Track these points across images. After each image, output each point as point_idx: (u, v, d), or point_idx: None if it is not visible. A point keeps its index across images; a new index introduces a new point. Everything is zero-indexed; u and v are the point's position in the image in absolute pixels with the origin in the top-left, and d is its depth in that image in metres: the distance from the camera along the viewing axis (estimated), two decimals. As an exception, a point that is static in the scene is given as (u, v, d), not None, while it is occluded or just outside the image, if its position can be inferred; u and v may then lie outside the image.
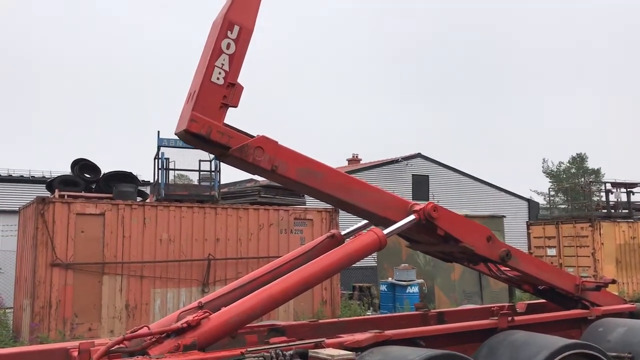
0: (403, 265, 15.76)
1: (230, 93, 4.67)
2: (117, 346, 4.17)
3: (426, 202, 5.54)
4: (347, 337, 4.72)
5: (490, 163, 70.83)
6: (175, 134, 4.76)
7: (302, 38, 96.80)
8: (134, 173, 13.31)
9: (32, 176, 19.94)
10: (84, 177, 12.49)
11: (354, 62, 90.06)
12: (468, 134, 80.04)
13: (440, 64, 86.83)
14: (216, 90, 4.59)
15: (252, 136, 4.82)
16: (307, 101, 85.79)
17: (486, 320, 5.71)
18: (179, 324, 4.35)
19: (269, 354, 4.03)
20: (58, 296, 10.87)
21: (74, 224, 11.16)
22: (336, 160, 43.62)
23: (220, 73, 4.61)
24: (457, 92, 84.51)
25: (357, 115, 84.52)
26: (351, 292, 16.55)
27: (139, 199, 12.53)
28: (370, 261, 19.28)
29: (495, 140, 79.80)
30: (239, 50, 4.67)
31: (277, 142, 4.90)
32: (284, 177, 4.96)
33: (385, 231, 5.18)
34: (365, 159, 31.21)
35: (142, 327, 4.51)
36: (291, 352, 4.15)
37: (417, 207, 5.40)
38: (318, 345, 4.47)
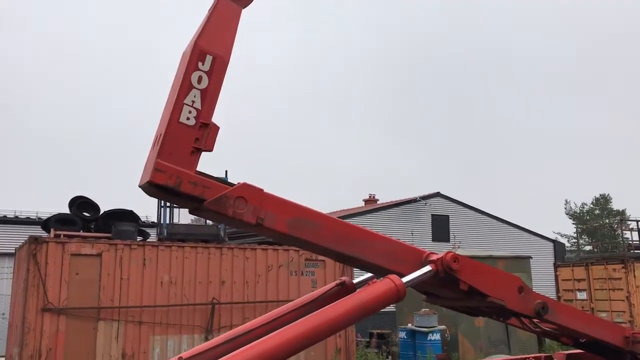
0: (423, 310, 14.71)
1: (204, 135, 3.94)
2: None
3: (445, 252, 4.76)
4: None
5: (511, 204, 69.38)
6: (139, 187, 4.02)
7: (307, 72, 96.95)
8: (138, 213, 12.63)
9: (29, 217, 19.41)
10: (82, 215, 11.83)
11: (364, 97, 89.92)
12: (486, 173, 78.86)
13: (454, 100, 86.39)
14: (186, 132, 3.82)
15: (231, 184, 4.10)
16: (315, 141, 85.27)
17: (522, 377, 4.80)
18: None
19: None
20: (49, 344, 10.05)
21: (68, 266, 10.42)
22: (352, 201, 42.75)
23: (190, 112, 3.88)
24: (475, 129, 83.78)
25: (372, 155, 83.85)
26: (368, 340, 15.46)
27: (139, 238, 11.79)
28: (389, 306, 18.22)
29: (515, 181, 78.54)
30: (212, 84, 3.96)
31: (262, 190, 4.16)
32: (272, 231, 4.21)
33: (405, 279, 4.38)
34: (382, 200, 30.36)
35: None
36: None
37: (433, 257, 4.63)
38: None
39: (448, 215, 26.45)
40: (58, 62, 78.03)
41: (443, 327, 14.43)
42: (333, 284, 4.87)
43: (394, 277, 4.32)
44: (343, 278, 4.94)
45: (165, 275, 11.32)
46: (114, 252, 10.89)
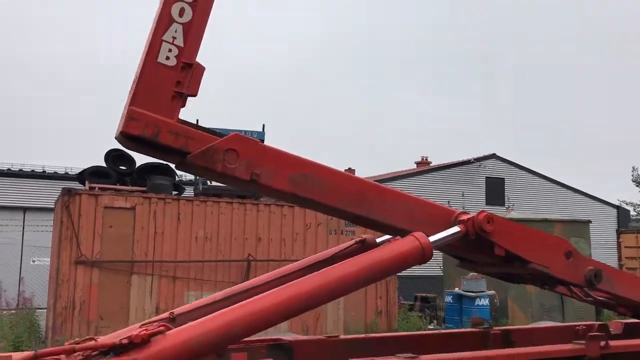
0: (472, 274, 13.94)
1: (187, 77, 3.36)
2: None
3: (478, 212, 4.13)
4: None
5: (573, 168, 66.39)
6: (115, 139, 3.46)
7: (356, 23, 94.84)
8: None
9: (67, 172, 19.60)
10: (118, 168, 11.63)
11: (418, 54, 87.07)
12: (546, 135, 75.62)
13: (514, 57, 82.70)
14: (165, 74, 3.29)
15: (220, 135, 3.52)
16: (365, 99, 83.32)
17: (568, 345, 4.17)
18: (116, 340, 3.09)
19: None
20: (82, 296, 9.98)
21: (101, 218, 10.27)
22: (404, 163, 41.69)
23: (170, 50, 3.31)
24: (536, 88, 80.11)
25: (426, 115, 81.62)
26: (412, 303, 14.90)
27: (174, 193, 11.52)
28: (436, 270, 17.58)
29: (578, 145, 75.14)
30: (197, 17, 3.36)
31: (257, 142, 3.58)
32: (270, 189, 3.64)
33: (432, 238, 3.77)
34: (435, 162, 29.34)
35: (88, 339, 3.30)
36: None
37: (464, 217, 3.97)
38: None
39: (503, 178, 25.30)
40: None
41: (492, 292, 13.69)
42: (353, 241, 4.30)
43: (419, 234, 3.69)
44: (364, 236, 4.34)
45: (200, 230, 11.04)
46: (147, 205, 10.66)
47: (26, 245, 18.94)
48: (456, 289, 14.06)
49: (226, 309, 3.47)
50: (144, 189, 11.09)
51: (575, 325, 5.10)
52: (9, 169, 19.98)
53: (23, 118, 56.49)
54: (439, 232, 3.90)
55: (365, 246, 4.16)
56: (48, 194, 18.06)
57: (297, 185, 3.64)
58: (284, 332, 8.67)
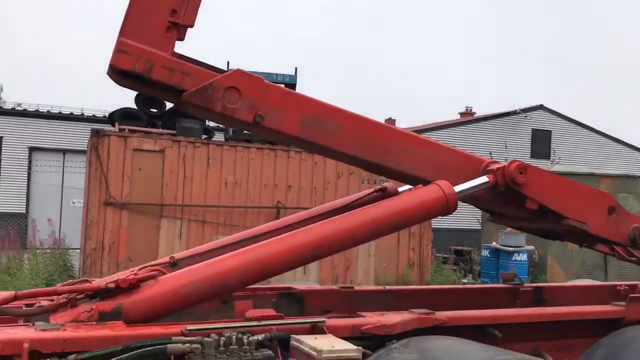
0: (510, 228, 13.49)
1: (183, 5, 2.98)
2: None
3: (510, 161, 3.72)
4: (374, 318, 3.03)
5: (626, 122, 63.60)
6: (107, 74, 3.15)
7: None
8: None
9: (104, 116, 19.59)
10: (148, 111, 11.45)
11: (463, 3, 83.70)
12: (598, 87, 72.32)
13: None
14: (159, 1, 2.96)
15: (221, 71, 3.16)
16: (408, 51, 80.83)
17: (606, 306, 3.81)
18: (103, 283, 2.88)
19: (215, 339, 2.45)
20: (111, 238, 9.99)
21: (130, 161, 10.15)
22: (447, 114, 40.59)
23: None
24: (590, 34, 76.27)
25: (471, 66, 78.99)
26: (446, 256, 14.55)
27: (204, 137, 11.31)
28: (474, 223, 17.10)
29: (633, 98, 71.66)
30: None
31: (261, 80, 3.22)
32: (275, 132, 3.30)
33: (457, 188, 3.40)
34: (480, 113, 28.34)
35: (82, 281, 3.12)
36: (262, 335, 2.55)
37: (493, 167, 3.60)
38: (316, 328, 2.81)
39: (550, 130, 24.26)
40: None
41: (531, 247, 13.21)
42: (372, 189, 3.95)
43: (443, 183, 3.31)
44: (386, 184, 3.98)
45: (230, 175, 10.85)
46: (177, 149, 10.49)
47: (66, 187, 19.28)
48: (493, 243, 13.63)
49: (227, 254, 3.21)
50: (174, 132, 10.90)
51: (617, 285, 4.68)
52: (48, 111, 20.17)
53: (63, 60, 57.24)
54: (465, 182, 3.53)
55: (385, 195, 3.81)
56: (86, 137, 18.18)
57: (308, 129, 3.30)
58: (306, 281, 8.48)
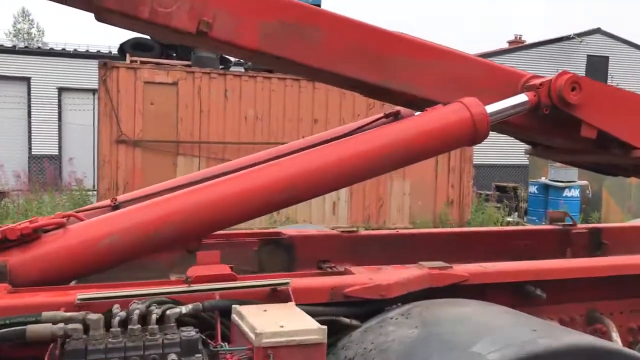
0: (560, 162, 12.33)
1: None
2: None
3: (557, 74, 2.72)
4: (364, 274, 2.22)
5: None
6: None
7: None
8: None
9: (110, 52, 18.80)
10: (161, 41, 10.59)
11: None
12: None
13: None
14: None
15: None
16: None
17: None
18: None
19: (101, 316, 1.66)
20: (125, 177, 9.42)
21: (141, 94, 9.44)
22: (495, 43, 38.27)
23: None
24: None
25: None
26: (489, 192, 13.51)
27: (221, 67, 10.44)
28: (521, 157, 15.87)
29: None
30: None
31: None
32: (228, 45, 2.51)
33: (489, 108, 2.45)
34: (531, 41, 26.35)
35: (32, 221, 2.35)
36: (189, 307, 1.74)
37: (535, 82, 2.74)
38: (275, 293, 1.99)
39: (607, 57, 22.37)
40: None
41: (584, 182, 12.09)
42: (382, 114, 3.04)
43: (470, 100, 2.42)
44: (399, 108, 3.07)
45: (250, 109, 10.03)
46: (191, 80, 9.70)
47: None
48: (542, 179, 12.55)
49: (172, 194, 2.41)
50: (189, 62, 10.07)
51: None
52: (75, 50, 19.60)
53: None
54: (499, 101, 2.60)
55: (397, 120, 2.91)
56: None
57: (272, 40, 2.42)
58: (303, 224, 7.68)
